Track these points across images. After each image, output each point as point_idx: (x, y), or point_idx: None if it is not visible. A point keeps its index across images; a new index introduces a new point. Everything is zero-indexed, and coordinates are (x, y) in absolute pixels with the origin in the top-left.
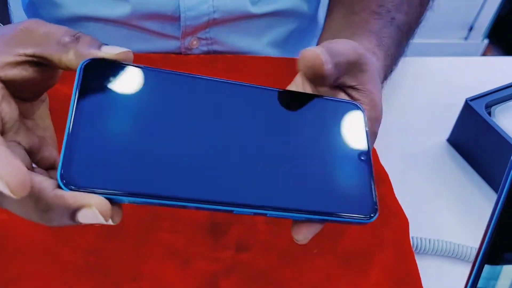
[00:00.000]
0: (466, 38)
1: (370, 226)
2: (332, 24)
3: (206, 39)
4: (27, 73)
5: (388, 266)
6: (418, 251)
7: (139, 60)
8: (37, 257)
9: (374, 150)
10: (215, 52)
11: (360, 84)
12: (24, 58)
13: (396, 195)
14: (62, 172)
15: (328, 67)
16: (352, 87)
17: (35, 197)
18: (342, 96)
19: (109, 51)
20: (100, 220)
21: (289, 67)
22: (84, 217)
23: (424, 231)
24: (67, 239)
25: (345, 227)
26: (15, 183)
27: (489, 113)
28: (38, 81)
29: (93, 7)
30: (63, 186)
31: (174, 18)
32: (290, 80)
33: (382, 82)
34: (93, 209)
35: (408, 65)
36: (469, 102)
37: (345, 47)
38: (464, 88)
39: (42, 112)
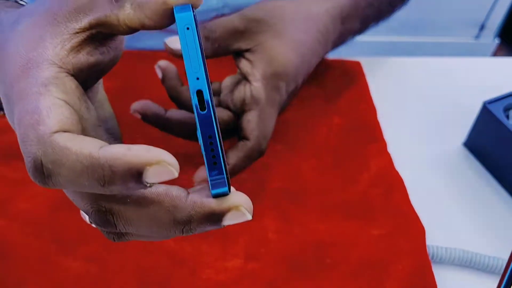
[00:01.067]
0: (477, 37)
1: (385, 235)
2: None
3: None
4: (94, 58)
5: (404, 276)
6: (435, 260)
7: (147, 58)
8: (37, 265)
9: (389, 155)
10: None
11: (255, 45)
12: (83, 36)
13: (412, 202)
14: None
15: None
16: (247, 51)
17: (171, 206)
18: (242, 63)
19: None
20: (248, 217)
21: None
22: (232, 219)
23: (441, 239)
24: (69, 248)
25: (359, 237)
26: (173, 160)
27: (507, 116)
28: (105, 64)
29: None
30: (218, 192)
31: None
32: None
33: (337, 22)
34: (242, 209)
35: (422, 66)
36: (487, 105)
37: (224, 21)
38: (479, 90)
39: (100, 96)
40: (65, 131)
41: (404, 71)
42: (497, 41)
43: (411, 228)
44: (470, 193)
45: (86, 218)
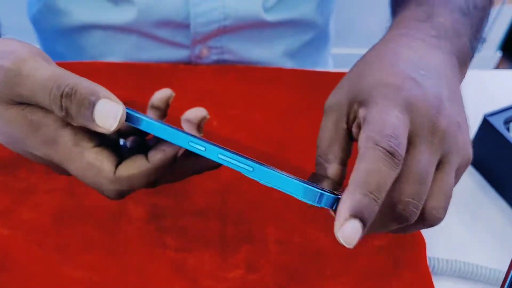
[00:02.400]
0: (478, 51)
1: (385, 247)
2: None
3: (216, 47)
4: None
5: (405, 287)
6: (435, 272)
7: (148, 69)
8: (40, 274)
9: None
10: (225, 62)
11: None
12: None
13: None
14: None
15: None
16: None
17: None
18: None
19: (104, 122)
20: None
21: (299, 78)
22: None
23: (442, 251)
24: (71, 256)
25: (359, 247)
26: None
27: (508, 129)
28: None
29: (99, 12)
30: None
31: (184, 25)
32: (299, 91)
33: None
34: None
35: None
36: (487, 117)
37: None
38: (480, 103)
39: None
40: (119, 163)
41: None
42: (499, 54)
43: (412, 239)
44: (470, 205)
45: None
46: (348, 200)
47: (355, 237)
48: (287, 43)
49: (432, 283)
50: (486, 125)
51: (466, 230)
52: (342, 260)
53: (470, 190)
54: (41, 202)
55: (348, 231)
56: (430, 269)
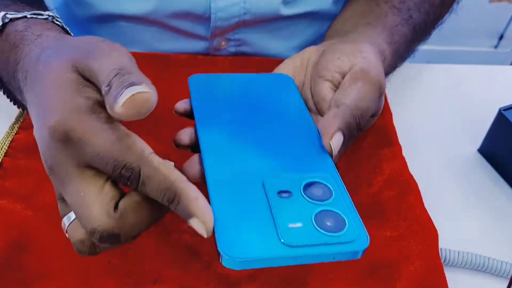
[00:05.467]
0: (496, 47)
1: (397, 236)
2: (351, 7)
3: (234, 40)
4: None
5: (416, 278)
6: (447, 263)
7: (167, 60)
8: (61, 255)
9: (403, 159)
10: (243, 54)
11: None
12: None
13: (425, 206)
14: None
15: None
16: None
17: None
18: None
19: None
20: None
21: None
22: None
23: (454, 243)
24: None
25: (372, 237)
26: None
27: None
28: None
29: (122, 3)
30: None
31: (204, 18)
32: None
33: None
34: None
35: (439, 72)
36: (502, 111)
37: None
38: (495, 98)
39: None
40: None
41: (420, 77)
42: None
43: (424, 230)
44: (483, 198)
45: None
46: (339, 118)
47: (339, 145)
48: (304, 35)
49: (443, 273)
50: (501, 119)
51: (479, 223)
52: None
53: (483, 184)
54: None
55: (336, 140)
56: (442, 260)
